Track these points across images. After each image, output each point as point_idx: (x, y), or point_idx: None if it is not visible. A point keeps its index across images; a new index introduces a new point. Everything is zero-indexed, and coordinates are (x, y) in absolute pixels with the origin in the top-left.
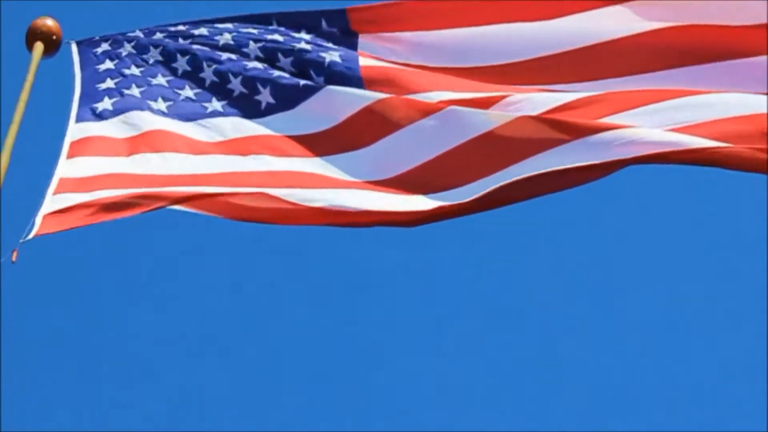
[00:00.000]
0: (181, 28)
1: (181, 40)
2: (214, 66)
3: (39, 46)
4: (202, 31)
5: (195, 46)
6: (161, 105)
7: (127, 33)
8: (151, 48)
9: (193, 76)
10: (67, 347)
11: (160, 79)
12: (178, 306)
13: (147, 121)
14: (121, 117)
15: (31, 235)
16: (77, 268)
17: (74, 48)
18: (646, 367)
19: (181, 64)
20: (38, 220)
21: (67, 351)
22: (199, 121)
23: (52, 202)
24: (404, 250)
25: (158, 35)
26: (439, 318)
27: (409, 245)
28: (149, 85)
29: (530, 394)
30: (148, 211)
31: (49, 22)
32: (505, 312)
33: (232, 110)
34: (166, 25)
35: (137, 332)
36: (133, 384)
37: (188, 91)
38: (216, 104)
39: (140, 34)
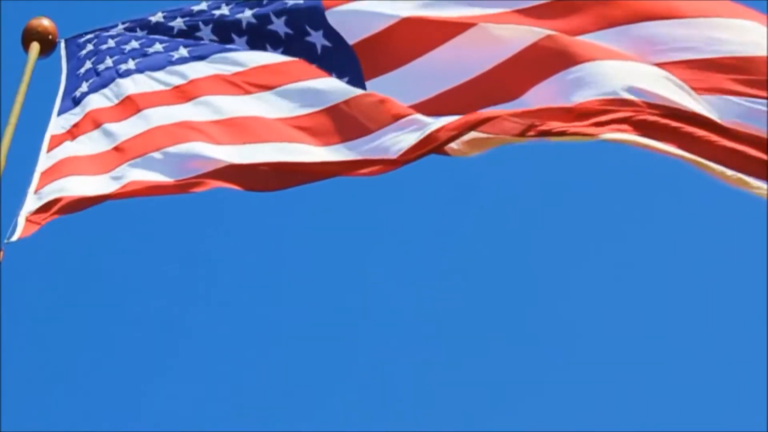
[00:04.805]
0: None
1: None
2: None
3: (35, 47)
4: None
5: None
6: (131, 65)
7: (113, 29)
8: (132, 40)
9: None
10: (68, 346)
11: (133, 52)
12: (178, 303)
13: (123, 86)
14: (96, 93)
15: (14, 237)
16: (76, 266)
17: (62, 45)
18: (646, 366)
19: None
20: (21, 220)
21: (68, 350)
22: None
23: (33, 200)
24: None
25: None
26: None
27: None
28: (122, 57)
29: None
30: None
31: (45, 23)
32: None
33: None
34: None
35: (137, 332)
36: (134, 384)
37: (158, 46)
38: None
39: (122, 29)
